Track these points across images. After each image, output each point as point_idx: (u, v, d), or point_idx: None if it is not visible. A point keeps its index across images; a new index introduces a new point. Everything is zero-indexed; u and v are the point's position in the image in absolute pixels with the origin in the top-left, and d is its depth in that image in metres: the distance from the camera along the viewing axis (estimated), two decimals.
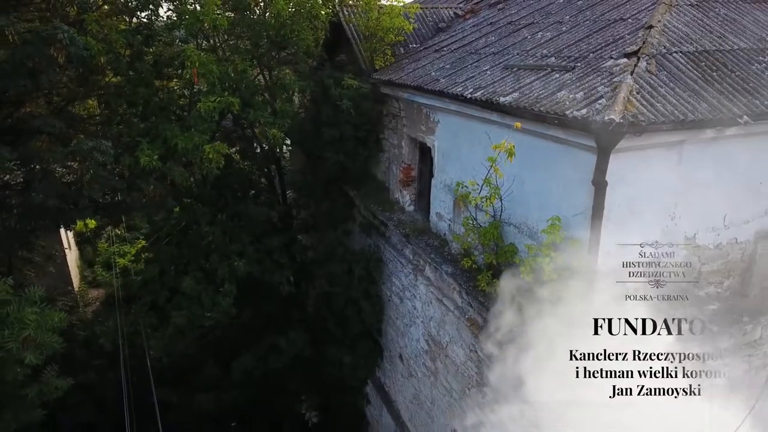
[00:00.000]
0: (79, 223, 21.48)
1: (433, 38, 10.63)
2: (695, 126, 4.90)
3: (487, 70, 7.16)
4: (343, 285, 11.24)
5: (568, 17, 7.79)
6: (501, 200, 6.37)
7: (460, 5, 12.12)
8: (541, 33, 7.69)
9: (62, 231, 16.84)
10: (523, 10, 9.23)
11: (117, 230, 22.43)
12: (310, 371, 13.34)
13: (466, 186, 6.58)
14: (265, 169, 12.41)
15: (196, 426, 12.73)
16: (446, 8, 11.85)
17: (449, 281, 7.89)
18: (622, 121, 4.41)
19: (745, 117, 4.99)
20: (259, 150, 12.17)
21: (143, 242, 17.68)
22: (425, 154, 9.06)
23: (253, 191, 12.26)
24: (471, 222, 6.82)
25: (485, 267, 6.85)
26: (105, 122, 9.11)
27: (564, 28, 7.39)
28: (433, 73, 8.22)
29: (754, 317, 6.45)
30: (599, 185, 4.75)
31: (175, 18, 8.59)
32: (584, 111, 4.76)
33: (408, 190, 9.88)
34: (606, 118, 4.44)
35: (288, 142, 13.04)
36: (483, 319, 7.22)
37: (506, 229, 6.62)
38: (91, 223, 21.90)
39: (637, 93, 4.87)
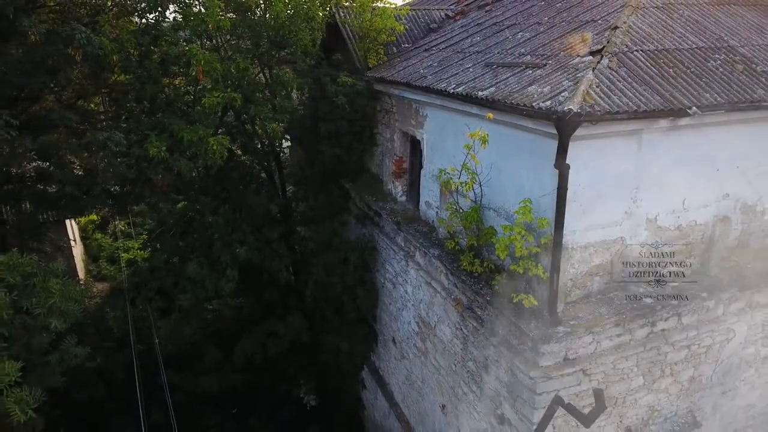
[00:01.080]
0: (83, 219, 22.11)
1: (425, 38, 11.22)
2: (649, 116, 5.48)
3: (470, 67, 7.75)
4: (339, 273, 11.81)
5: (546, 18, 8.38)
6: (480, 186, 6.95)
7: (452, 7, 12.71)
8: (521, 33, 8.28)
9: (68, 226, 17.44)
10: (508, 12, 9.82)
11: (121, 226, 23.05)
12: (308, 357, 13.94)
13: (448, 172, 7.16)
14: (265, 164, 13.00)
15: (198, 410, 13.33)
16: (438, 10, 12.44)
17: (437, 264, 8.47)
18: (579, 111, 5.00)
19: (694, 108, 5.57)
20: (259, 145, 12.76)
21: (146, 236, 18.30)
22: (415, 146, 9.65)
23: (254, 185, 12.86)
24: (454, 207, 7.41)
25: (467, 248, 7.44)
26: (113, 117, 9.70)
27: (542, 29, 7.98)
28: (422, 71, 8.81)
29: (713, 294, 7.04)
30: (562, 169, 5.33)
31: (180, 19, 9.15)
32: (548, 103, 5.35)
33: (400, 182, 10.46)
34: (565, 108, 5.03)
35: (287, 137, 13.66)
36: (467, 298, 7.81)
37: (486, 213, 7.20)
38: (94, 218, 22.52)
39: (597, 87, 5.45)
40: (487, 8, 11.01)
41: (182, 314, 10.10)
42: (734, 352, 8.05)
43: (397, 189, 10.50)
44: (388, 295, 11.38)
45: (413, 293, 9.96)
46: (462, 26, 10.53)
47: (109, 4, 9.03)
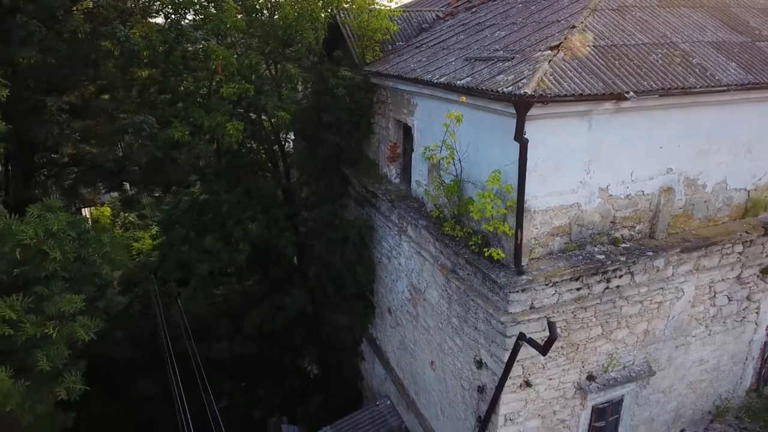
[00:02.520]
0: (95, 211, 23.34)
1: (417, 37, 12.42)
2: (592, 99, 6.67)
3: (452, 61, 8.95)
4: (340, 251, 13.01)
5: (520, 19, 9.58)
6: (460, 162, 8.15)
7: (442, 8, 13.92)
8: (498, 32, 9.48)
9: (84, 214, 18.68)
10: (490, 14, 11.02)
11: (131, 218, 24.29)
12: (310, 330, 15.17)
13: (431, 149, 8.35)
14: (271, 152, 14.23)
15: (212, 378, 14.57)
16: (429, 11, 13.65)
17: (425, 234, 9.67)
18: (533, 93, 6.19)
19: (631, 93, 6.76)
20: (264, 134, 13.98)
21: (155, 228, 19.49)
22: (407, 133, 10.83)
23: (261, 172, 14.07)
24: (439, 181, 8.60)
25: (450, 217, 8.64)
26: (139, 106, 10.92)
27: (515, 28, 9.18)
28: (412, 65, 10.01)
29: (658, 253, 8.21)
30: (521, 141, 6.51)
31: (199, 20, 10.37)
32: (510, 88, 6.54)
33: (394, 165, 11.65)
34: (522, 91, 6.22)
35: (291, 135, 14.88)
36: (451, 262, 9.00)
37: (465, 185, 8.39)
38: (107, 211, 23.80)
39: (550, 75, 6.65)
40: (473, 10, 12.21)
41: (199, 284, 11.30)
42: (684, 310, 9.24)
43: (392, 172, 11.69)
44: (384, 270, 12.57)
45: (406, 264, 11.15)
46: (450, 26, 11.72)
47: (137, 6, 10.27)
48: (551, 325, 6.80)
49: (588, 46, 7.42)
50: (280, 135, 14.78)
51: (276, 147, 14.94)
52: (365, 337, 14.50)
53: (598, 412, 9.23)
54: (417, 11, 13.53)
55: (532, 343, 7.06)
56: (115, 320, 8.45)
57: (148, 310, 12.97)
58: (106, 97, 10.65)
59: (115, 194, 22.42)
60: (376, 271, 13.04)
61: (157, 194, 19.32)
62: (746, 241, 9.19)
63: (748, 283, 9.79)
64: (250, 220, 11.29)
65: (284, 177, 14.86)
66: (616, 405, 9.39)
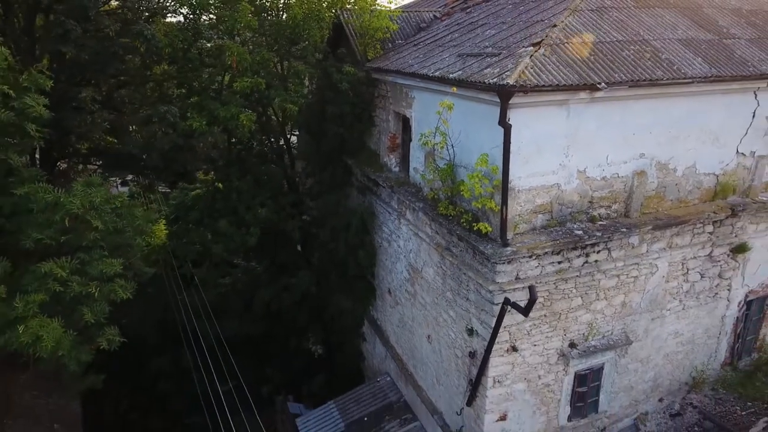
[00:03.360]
0: None
1: (415, 35, 13.29)
2: (568, 89, 7.53)
3: (446, 57, 9.82)
4: (343, 237, 13.88)
5: (509, 19, 10.45)
6: (453, 147, 9.02)
7: (440, 9, 14.79)
8: (489, 30, 10.35)
9: None
10: (482, 14, 11.89)
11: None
12: (315, 313, 16.05)
13: (426, 136, 9.21)
14: (278, 143, 15.13)
15: (221, 356, 15.44)
16: (428, 11, 14.52)
17: (422, 216, 10.54)
18: (514, 83, 7.06)
19: (603, 84, 7.63)
20: (271, 127, 14.86)
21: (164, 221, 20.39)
22: (406, 124, 11.70)
23: (268, 162, 14.93)
24: (434, 166, 9.48)
25: (444, 198, 9.51)
26: (159, 99, 11.82)
27: (504, 27, 10.05)
28: (410, 61, 10.89)
29: (632, 231, 9.05)
30: (505, 126, 7.38)
31: (213, 20, 11.26)
32: (495, 79, 7.41)
33: (394, 155, 12.52)
34: (504, 82, 7.09)
35: (296, 131, 15.75)
36: (445, 240, 9.87)
37: (458, 169, 9.25)
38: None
39: (531, 68, 7.51)
40: (468, 10, 13.08)
41: (213, 263, 12.20)
42: (658, 284, 10.09)
43: (392, 161, 12.56)
44: (385, 253, 13.44)
45: (404, 246, 12.03)
46: (446, 25, 12.59)
47: (159, 6, 11.18)
48: (531, 289, 7.67)
49: (566, 43, 8.28)
50: (286, 129, 15.68)
51: (281, 140, 15.85)
52: (367, 318, 15.37)
53: (580, 378, 10.08)
54: (416, 11, 14.41)
55: (516, 306, 7.93)
56: (132, 299, 9.28)
57: (161, 292, 13.84)
58: (124, 91, 11.59)
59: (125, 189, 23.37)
60: (377, 254, 13.91)
61: (163, 190, 20.24)
62: (716, 222, 10.04)
63: (719, 261, 10.65)
64: (260, 205, 12.18)
65: (289, 168, 15.76)
66: (597, 372, 10.24)
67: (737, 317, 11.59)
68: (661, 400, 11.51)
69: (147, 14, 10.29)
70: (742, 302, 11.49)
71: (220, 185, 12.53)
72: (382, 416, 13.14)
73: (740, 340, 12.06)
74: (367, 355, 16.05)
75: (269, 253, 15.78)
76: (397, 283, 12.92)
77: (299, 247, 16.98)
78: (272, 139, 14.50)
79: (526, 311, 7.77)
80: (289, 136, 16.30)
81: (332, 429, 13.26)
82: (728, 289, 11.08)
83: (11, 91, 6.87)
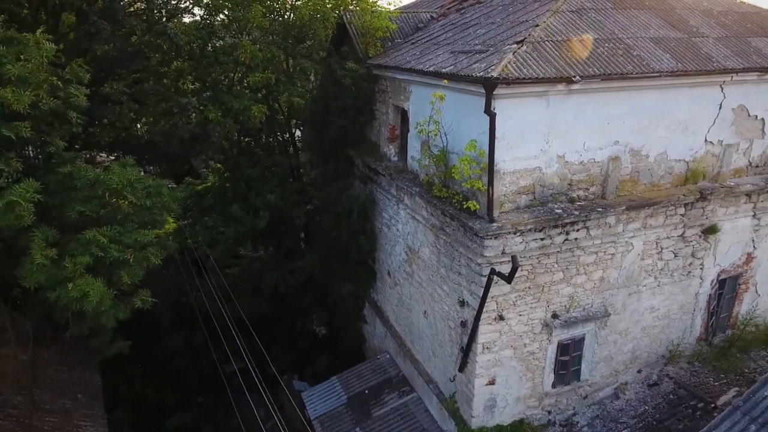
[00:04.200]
0: None
1: (413, 35, 14.25)
2: (546, 82, 8.48)
3: (440, 54, 10.79)
4: (345, 224, 14.85)
5: (498, 19, 11.42)
6: (446, 135, 9.98)
7: (437, 9, 15.76)
8: (479, 30, 11.32)
9: None
10: (475, 15, 12.86)
11: None
12: (319, 296, 17.03)
13: (421, 124, 10.17)
14: (284, 137, 16.13)
15: (229, 337, 16.41)
16: (425, 12, 15.49)
17: (418, 200, 11.50)
18: (497, 76, 8.02)
19: (577, 77, 8.59)
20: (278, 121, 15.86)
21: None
22: (404, 116, 12.66)
23: (276, 152, 15.92)
24: (429, 152, 10.44)
25: (438, 181, 10.47)
26: (174, 93, 12.81)
27: (493, 27, 11.01)
28: (408, 58, 11.85)
29: (607, 210, 10.00)
30: (490, 115, 8.34)
31: (227, 20, 12.25)
32: (482, 73, 8.37)
33: (393, 145, 13.48)
34: (489, 75, 8.05)
35: (300, 127, 16.72)
36: (439, 221, 10.83)
37: (450, 156, 10.21)
38: None
39: (513, 63, 8.47)
40: (462, 11, 14.05)
41: (226, 246, 13.18)
42: (634, 262, 11.04)
43: (391, 151, 13.53)
44: (384, 237, 14.41)
45: (402, 229, 12.99)
46: (441, 25, 13.56)
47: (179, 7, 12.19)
48: (514, 258, 8.63)
49: (547, 41, 9.24)
50: (291, 123, 16.68)
51: (287, 134, 16.84)
52: (367, 300, 16.34)
53: (562, 347, 11.03)
54: (414, 12, 15.38)
55: (500, 274, 8.90)
56: (148, 279, 10.20)
57: (175, 274, 14.80)
58: (145, 85, 12.59)
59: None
60: (377, 239, 14.87)
61: (171, 185, 21.21)
62: (687, 204, 10.98)
63: (692, 241, 11.58)
64: (269, 192, 13.15)
65: (294, 159, 16.75)
66: (578, 342, 11.19)
67: (710, 295, 12.51)
68: (639, 371, 12.44)
69: (167, 15, 11.30)
70: (715, 281, 12.41)
71: (227, 174, 13.50)
72: (381, 389, 14.11)
73: (714, 317, 12.98)
74: (368, 336, 17.01)
75: (275, 240, 16.77)
76: (395, 265, 13.88)
77: (303, 235, 17.95)
78: (278, 132, 15.47)
79: (509, 279, 8.73)
80: (293, 130, 17.29)
81: (335, 401, 14.23)
82: (701, 268, 11.99)
83: (59, 83, 7.86)
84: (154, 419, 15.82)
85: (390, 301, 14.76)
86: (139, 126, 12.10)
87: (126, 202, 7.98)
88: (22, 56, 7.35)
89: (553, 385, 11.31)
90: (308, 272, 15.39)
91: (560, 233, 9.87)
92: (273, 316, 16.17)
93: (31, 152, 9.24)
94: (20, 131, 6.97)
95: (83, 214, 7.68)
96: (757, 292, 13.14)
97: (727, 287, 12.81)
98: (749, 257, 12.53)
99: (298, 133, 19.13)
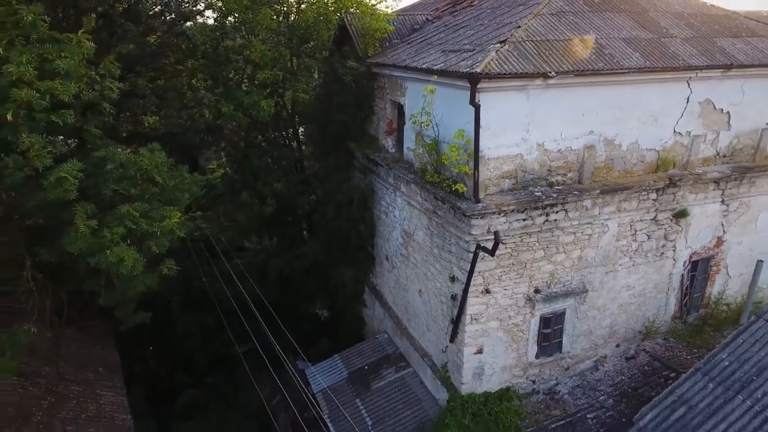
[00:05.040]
0: None
1: (409, 36, 15.32)
2: (524, 77, 9.54)
3: (433, 53, 11.86)
4: (346, 212, 15.91)
5: (486, 22, 12.49)
6: (437, 126, 11.04)
7: (432, 12, 16.83)
8: (469, 31, 12.39)
9: None
10: (466, 17, 13.93)
11: None
12: (321, 282, 18.08)
13: (415, 116, 11.23)
14: (289, 132, 17.22)
15: (238, 320, 17.47)
16: (421, 15, 16.56)
17: (413, 186, 12.56)
18: (480, 71, 9.08)
19: (553, 72, 9.65)
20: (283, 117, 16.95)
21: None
22: (400, 111, 13.73)
23: (279, 148, 16.97)
24: (422, 141, 11.51)
25: (431, 168, 11.54)
26: (188, 88, 13.91)
27: (481, 29, 12.09)
28: (404, 57, 12.93)
29: (582, 194, 11.04)
30: (475, 106, 9.40)
31: (238, 22, 13.35)
32: (467, 69, 9.44)
33: (390, 138, 14.55)
34: (473, 71, 9.12)
35: (302, 127, 17.81)
36: (432, 205, 11.89)
37: (441, 145, 11.26)
38: None
39: (496, 60, 9.53)
40: (455, 14, 15.13)
41: (237, 231, 14.25)
42: (610, 242, 12.08)
43: (389, 143, 14.59)
44: (383, 224, 15.47)
45: (399, 215, 14.06)
46: (435, 27, 14.64)
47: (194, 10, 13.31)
48: (496, 234, 9.69)
49: (527, 41, 10.32)
50: (295, 119, 17.77)
51: (290, 130, 17.93)
52: (367, 285, 17.39)
53: (545, 321, 12.07)
54: (410, 15, 16.45)
55: (485, 249, 9.95)
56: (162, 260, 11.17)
57: (187, 258, 15.83)
58: (160, 81, 13.69)
59: None
60: (376, 226, 15.94)
61: None
62: (658, 189, 12.03)
63: (664, 224, 12.62)
64: (275, 181, 14.22)
65: (296, 152, 17.83)
66: (559, 316, 12.23)
67: (683, 275, 13.55)
68: (618, 345, 13.48)
69: (184, 18, 12.36)
70: (687, 262, 13.45)
71: (236, 165, 14.57)
72: (380, 365, 15.16)
73: (688, 297, 14.02)
74: (368, 320, 18.06)
75: (281, 230, 17.83)
76: (393, 249, 14.94)
77: (306, 226, 19.02)
78: (283, 127, 16.55)
79: (492, 252, 9.79)
80: (297, 127, 18.39)
81: (337, 376, 15.29)
82: (673, 250, 13.03)
83: (97, 77, 8.92)
84: (167, 396, 16.87)
85: (388, 283, 15.81)
86: (152, 119, 13.20)
87: (153, 183, 9.02)
88: (62, 53, 8.40)
89: (537, 356, 12.34)
90: (311, 258, 16.44)
91: (540, 214, 10.93)
92: (278, 300, 17.18)
93: (61, 140, 10.26)
94: (66, 118, 8.06)
95: (116, 192, 8.76)
96: (728, 274, 14.16)
97: (700, 269, 13.84)
98: (719, 241, 13.56)
99: (300, 129, 20.26)
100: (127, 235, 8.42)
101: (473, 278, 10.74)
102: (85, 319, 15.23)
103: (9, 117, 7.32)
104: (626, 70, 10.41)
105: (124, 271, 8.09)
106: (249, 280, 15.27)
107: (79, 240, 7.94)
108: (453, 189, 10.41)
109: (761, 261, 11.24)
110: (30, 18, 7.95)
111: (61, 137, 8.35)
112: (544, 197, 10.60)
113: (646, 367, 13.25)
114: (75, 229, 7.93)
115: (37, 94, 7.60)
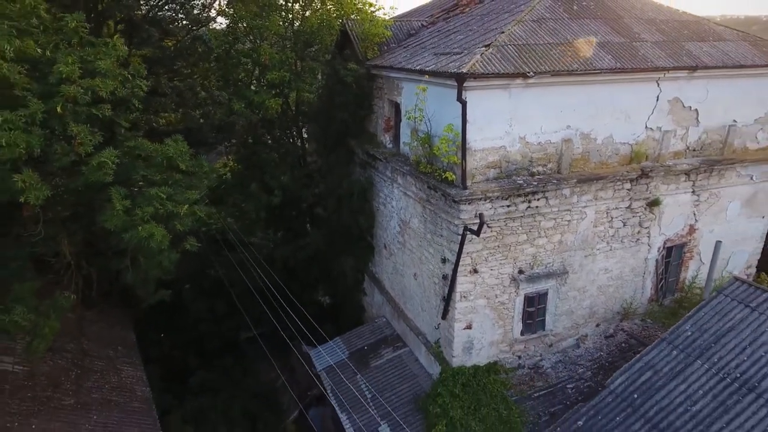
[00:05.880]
0: None
1: (406, 40, 16.54)
2: (506, 76, 10.72)
3: (426, 56, 13.07)
4: (347, 205, 17.07)
5: (475, 27, 13.70)
6: (429, 121, 12.23)
7: (426, 18, 18.06)
8: (459, 36, 13.60)
9: None
10: (458, 23, 15.15)
11: None
12: (324, 272, 19.23)
13: (409, 111, 12.41)
14: (290, 130, 18.45)
15: (246, 306, 18.62)
16: (416, 20, 17.79)
17: (409, 178, 13.73)
18: (466, 72, 10.27)
19: (531, 72, 10.84)
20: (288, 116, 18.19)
21: None
22: (397, 109, 14.93)
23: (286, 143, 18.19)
24: (417, 136, 12.70)
25: (424, 160, 12.72)
26: (202, 88, 15.15)
27: (470, 34, 13.30)
28: (400, 59, 14.14)
29: (561, 182, 12.20)
30: (462, 102, 10.58)
31: (247, 28, 14.59)
32: (455, 69, 10.63)
33: (388, 134, 15.74)
34: (460, 71, 10.31)
35: (305, 128, 19.05)
36: (425, 194, 13.05)
37: (434, 139, 12.44)
38: None
39: (480, 62, 10.73)
40: (448, 20, 16.35)
41: (247, 220, 15.44)
42: (588, 228, 13.23)
43: (387, 139, 15.78)
44: (381, 215, 16.64)
45: (396, 205, 15.23)
46: (429, 32, 15.86)
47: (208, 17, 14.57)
48: (481, 215, 10.85)
49: (509, 44, 11.52)
50: (298, 119, 18.99)
51: (294, 129, 19.16)
52: (366, 273, 18.54)
53: (528, 300, 13.20)
54: (407, 20, 17.68)
55: (470, 229, 11.11)
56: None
57: (199, 249, 17.06)
58: (176, 81, 14.95)
59: None
60: (375, 217, 17.10)
61: None
62: (632, 180, 13.18)
63: (638, 212, 13.77)
64: (281, 174, 15.42)
65: (300, 149, 19.04)
66: (542, 296, 13.36)
67: (657, 260, 14.68)
68: (598, 325, 14.61)
69: (199, 24, 13.57)
70: (662, 248, 14.59)
71: (250, 157, 15.78)
72: (378, 345, 16.30)
73: (663, 281, 15.16)
74: (367, 307, 19.20)
75: (286, 223, 19.01)
76: (391, 238, 16.10)
77: (308, 219, 20.21)
78: (289, 125, 17.77)
79: (477, 232, 10.95)
80: (301, 125, 19.62)
81: (339, 356, 16.42)
82: (648, 236, 14.17)
83: (129, 76, 10.14)
84: (180, 377, 18.01)
85: (386, 270, 16.97)
86: (172, 116, 14.42)
87: (176, 170, 10.21)
88: (99, 56, 9.60)
89: (522, 333, 13.47)
90: (314, 248, 17.61)
91: (523, 201, 12.09)
92: (284, 288, 18.32)
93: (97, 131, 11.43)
94: (104, 111, 9.26)
95: (145, 177, 9.94)
96: (701, 260, 15.29)
97: (674, 255, 14.98)
98: (692, 228, 14.71)
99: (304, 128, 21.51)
100: (155, 215, 9.58)
101: (462, 259, 11.89)
102: (106, 303, 16.43)
103: (59, 109, 8.57)
104: (598, 71, 11.59)
105: (154, 245, 9.25)
106: (257, 269, 16.42)
107: (115, 217, 9.10)
108: (443, 177, 11.58)
109: (719, 241, 12.38)
110: (73, 24, 9.17)
111: (96, 129, 9.49)
112: (525, 185, 11.76)
113: (623, 344, 14.38)
114: (112, 207, 9.11)
115: (81, 90, 8.83)
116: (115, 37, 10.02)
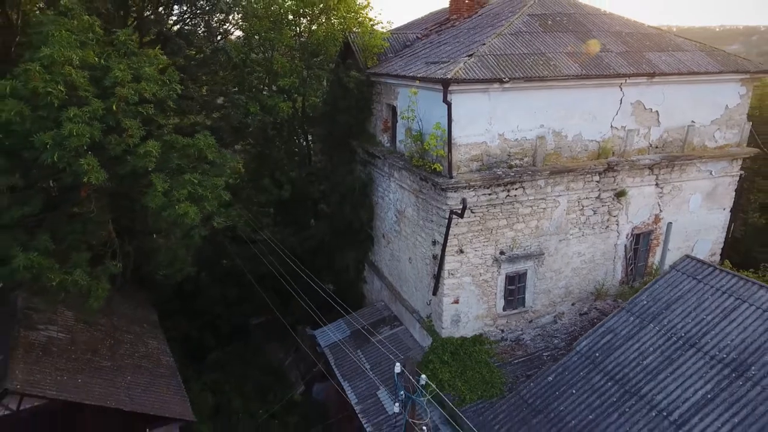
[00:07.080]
0: None
1: (402, 50, 18.47)
2: (484, 81, 12.57)
3: (418, 64, 14.96)
4: (349, 199, 18.88)
5: (463, 39, 15.61)
6: (421, 121, 14.08)
7: (421, 31, 20.01)
8: (448, 47, 15.51)
9: None
10: (448, 36, 17.07)
11: None
12: (327, 261, 20.99)
13: (404, 111, 14.26)
14: (301, 130, 20.34)
15: (257, 293, 20.36)
16: (412, 33, 19.73)
17: (404, 172, 15.56)
18: (450, 77, 12.13)
19: (506, 78, 12.69)
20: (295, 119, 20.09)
21: None
22: (394, 111, 16.79)
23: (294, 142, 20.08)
24: (410, 134, 14.55)
25: (416, 155, 14.55)
26: (219, 93, 17.06)
27: (458, 45, 15.19)
28: (396, 67, 16.04)
29: (535, 174, 13.99)
30: (447, 103, 12.42)
31: (260, 40, 16.52)
32: (441, 75, 12.49)
33: (386, 134, 17.59)
34: (445, 77, 12.17)
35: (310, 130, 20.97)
36: (418, 186, 14.87)
37: (424, 136, 14.27)
38: None
39: (463, 69, 12.59)
40: (440, 33, 18.28)
41: (259, 211, 17.27)
42: (561, 215, 15.00)
43: (385, 139, 17.63)
44: (380, 207, 18.44)
45: (393, 197, 17.04)
46: (423, 43, 17.78)
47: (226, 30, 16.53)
48: (464, 200, 12.65)
49: (489, 54, 13.40)
50: (304, 123, 20.89)
51: (300, 131, 21.06)
52: (367, 263, 20.30)
53: (509, 279, 14.93)
54: (403, 33, 19.63)
55: (455, 212, 12.91)
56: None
57: (213, 236, 18.83)
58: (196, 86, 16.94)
59: None
60: (375, 210, 18.91)
61: None
62: (600, 173, 14.97)
63: (607, 202, 15.53)
64: (291, 171, 17.26)
65: (306, 149, 20.92)
66: (522, 275, 15.09)
67: (626, 246, 16.41)
68: (573, 304, 16.31)
69: (220, 36, 15.49)
70: (630, 235, 16.33)
71: (261, 154, 17.61)
72: (377, 325, 18.01)
73: (633, 265, 16.87)
74: (367, 294, 20.93)
75: (292, 218, 20.84)
76: (388, 227, 17.89)
77: (313, 215, 22.02)
78: (296, 127, 19.65)
79: (461, 214, 12.75)
80: (307, 127, 21.53)
81: (341, 335, 18.17)
82: (617, 224, 15.93)
83: (167, 81, 12.03)
84: (197, 355, 19.75)
85: (384, 258, 18.74)
86: (198, 117, 16.35)
87: (205, 160, 12.03)
88: (143, 64, 11.48)
89: (504, 309, 15.19)
90: (318, 239, 19.42)
91: (503, 190, 13.89)
92: (291, 276, 20.06)
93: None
94: (147, 110, 11.13)
95: (179, 166, 11.78)
96: (667, 247, 17.02)
97: (641, 241, 16.70)
98: (657, 218, 16.46)
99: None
100: (189, 196, 11.39)
101: (449, 240, 13.66)
102: (131, 286, 18.21)
103: (114, 107, 10.43)
104: (566, 77, 13.45)
105: (188, 221, 11.05)
106: (263, 259, 18.23)
107: (156, 197, 10.92)
108: (432, 168, 13.40)
109: (671, 222, 14.15)
110: (123, 38, 11.06)
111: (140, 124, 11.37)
112: (504, 176, 13.57)
113: (594, 320, 16.07)
114: (153, 189, 10.93)
115: (131, 91, 10.70)
116: (157, 48, 11.89)
